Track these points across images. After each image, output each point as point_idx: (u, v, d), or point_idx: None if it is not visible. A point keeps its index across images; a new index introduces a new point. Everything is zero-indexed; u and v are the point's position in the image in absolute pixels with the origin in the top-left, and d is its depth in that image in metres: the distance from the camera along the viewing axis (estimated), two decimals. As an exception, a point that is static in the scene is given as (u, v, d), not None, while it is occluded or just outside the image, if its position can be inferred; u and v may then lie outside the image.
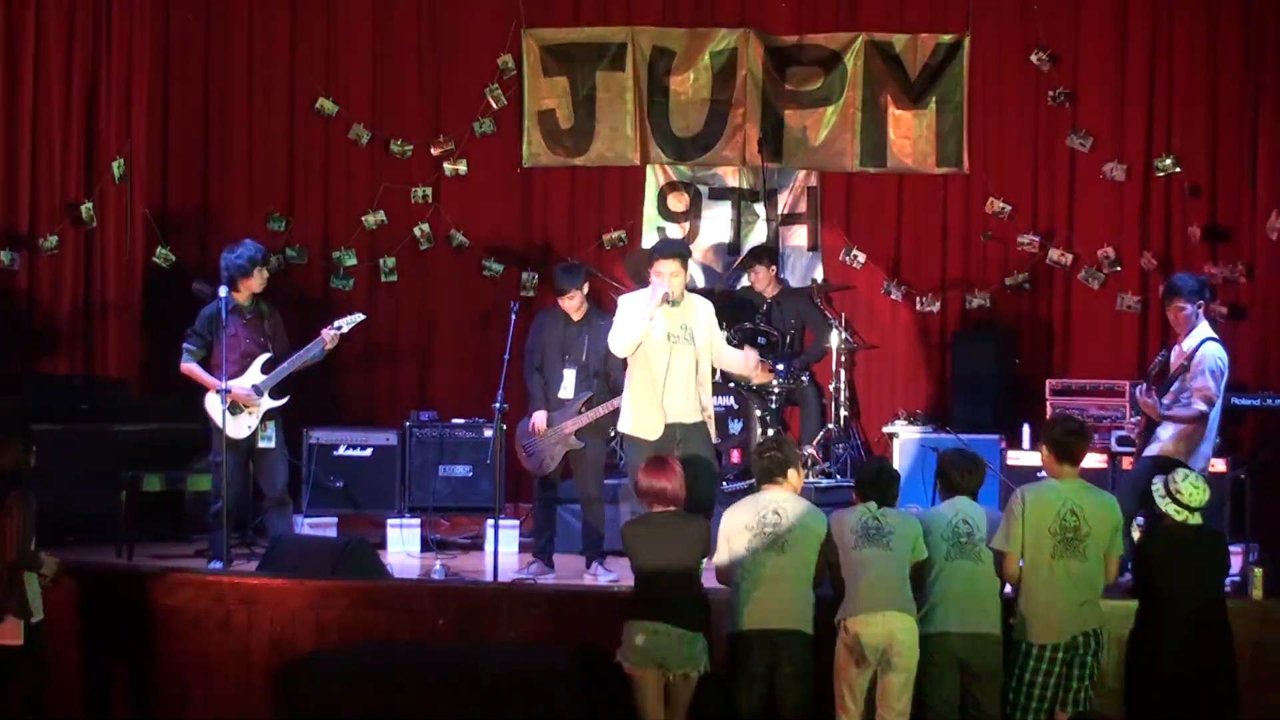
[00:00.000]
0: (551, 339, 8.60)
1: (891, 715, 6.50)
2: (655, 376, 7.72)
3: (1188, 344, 7.89)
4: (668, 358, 7.72)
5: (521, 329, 8.56)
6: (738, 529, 6.71)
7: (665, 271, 7.72)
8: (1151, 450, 7.82)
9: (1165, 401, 7.82)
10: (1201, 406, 7.71)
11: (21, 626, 6.80)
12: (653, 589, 6.61)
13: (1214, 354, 7.77)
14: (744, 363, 8.22)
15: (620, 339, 7.79)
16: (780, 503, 6.72)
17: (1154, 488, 6.78)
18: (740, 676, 6.57)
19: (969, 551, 6.68)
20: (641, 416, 7.79)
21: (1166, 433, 7.79)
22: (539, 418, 8.56)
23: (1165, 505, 6.71)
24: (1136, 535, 7.31)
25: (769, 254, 10.33)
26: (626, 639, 6.57)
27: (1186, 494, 6.65)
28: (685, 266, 7.89)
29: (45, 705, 7.06)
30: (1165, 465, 7.50)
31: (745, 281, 10.56)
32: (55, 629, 7.23)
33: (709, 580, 6.84)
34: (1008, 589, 6.77)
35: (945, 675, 6.57)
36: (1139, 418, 8.05)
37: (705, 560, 6.76)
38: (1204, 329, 7.90)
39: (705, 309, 7.93)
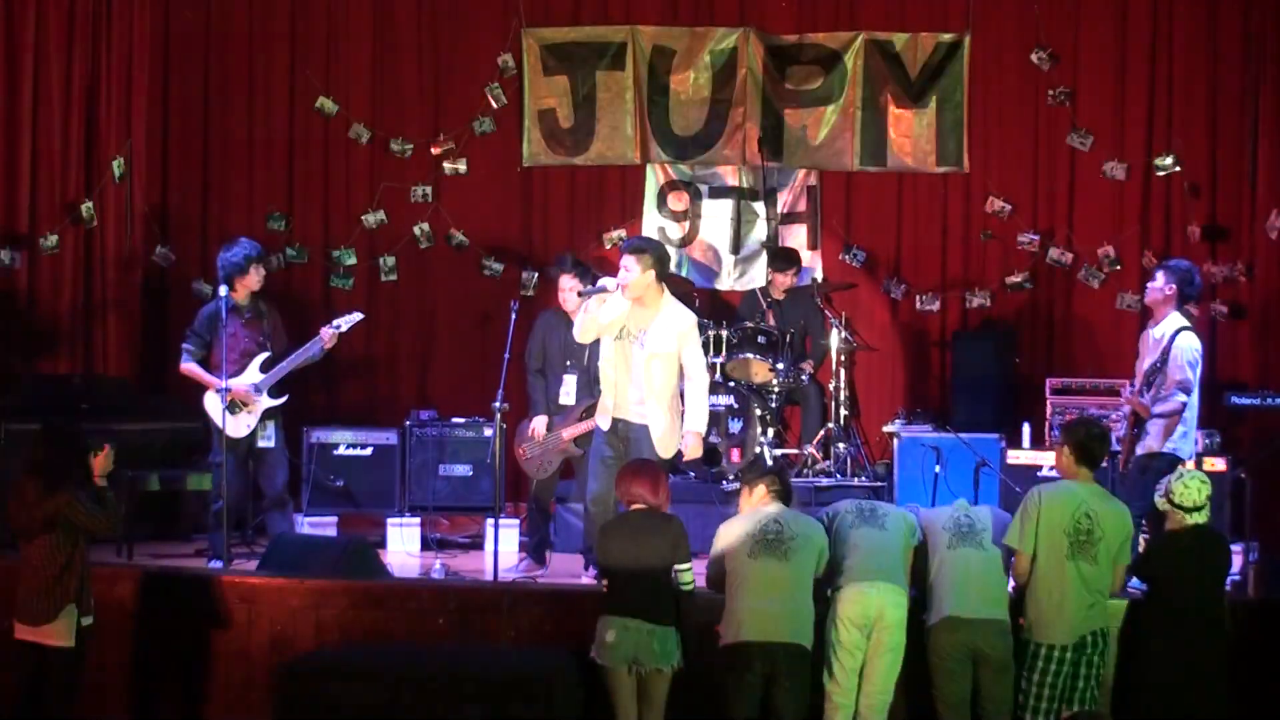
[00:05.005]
0: (553, 342, 8.59)
1: (874, 694, 6.55)
2: (605, 368, 7.72)
3: (1158, 331, 7.91)
4: (613, 353, 7.68)
5: (522, 329, 8.51)
6: (738, 538, 6.69)
7: (622, 265, 7.61)
8: (1141, 448, 7.83)
9: (1153, 397, 7.83)
10: (1182, 397, 7.71)
11: (73, 628, 6.71)
12: (623, 585, 6.60)
13: (1189, 345, 7.77)
14: (687, 420, 7.75)
15: (577, 324, 7.75)
16: (779, 515, 6.72)
17: (1157, 490, 6.82)
18: (737, 687, 6.53)
19: (971, 540, 6.70)
20: (598, 404, 7.82)
21: (1154, 429, 7.80)
22: (539, 423, 8.53)
23: (1164, 507, 6.76)
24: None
25: (792, 263, 10.26)
26: (599, 635, 6.58)
27: (1179, 494, 6.69)
28: (647, 266, 7.51)
29: (81, 708, 6.99)
30: (1151, 462, 7.57)
31: (752, 283, 10.56)
32: (100, 630, 7.14)
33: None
34: (1011, 586, 6.78)
35: (957, 667, 6.57)
36: (1128, 415, 8.04)
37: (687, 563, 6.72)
38: (1176, 319, 7.89)
39: (677, 321, 7.64)
